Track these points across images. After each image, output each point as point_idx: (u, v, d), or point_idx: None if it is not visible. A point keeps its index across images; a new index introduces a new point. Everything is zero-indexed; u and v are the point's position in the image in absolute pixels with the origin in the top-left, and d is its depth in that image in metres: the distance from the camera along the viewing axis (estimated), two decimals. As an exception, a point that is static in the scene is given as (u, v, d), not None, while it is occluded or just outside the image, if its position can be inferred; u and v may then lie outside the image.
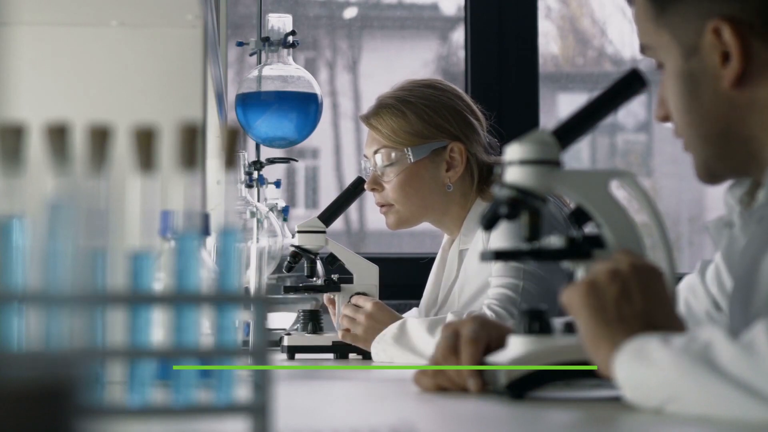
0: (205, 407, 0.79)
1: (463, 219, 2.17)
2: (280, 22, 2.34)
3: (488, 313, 1.94)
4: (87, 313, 0.70)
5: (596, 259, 1.15)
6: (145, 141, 0.80)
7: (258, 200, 2.57)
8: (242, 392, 0.82)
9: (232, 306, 0.82)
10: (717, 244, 1.37)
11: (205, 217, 1.09)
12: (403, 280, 2.69)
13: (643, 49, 1.27)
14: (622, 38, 3.93)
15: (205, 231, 1.08)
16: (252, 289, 1.19)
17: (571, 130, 1.21)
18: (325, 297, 2.23)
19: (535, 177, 1.17)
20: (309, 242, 2.25)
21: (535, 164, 1.17)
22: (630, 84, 1.24)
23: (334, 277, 2.21)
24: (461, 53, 3.35)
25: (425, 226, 2.26)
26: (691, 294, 1.43)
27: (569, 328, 1.17)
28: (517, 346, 1.18)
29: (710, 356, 0.95)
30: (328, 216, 2.27)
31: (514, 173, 1.17)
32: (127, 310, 0.81)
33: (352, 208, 3.18)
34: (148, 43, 1.55)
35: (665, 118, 1.27)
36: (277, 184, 2.62)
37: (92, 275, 0.76)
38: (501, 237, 1.98)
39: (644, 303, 1.06)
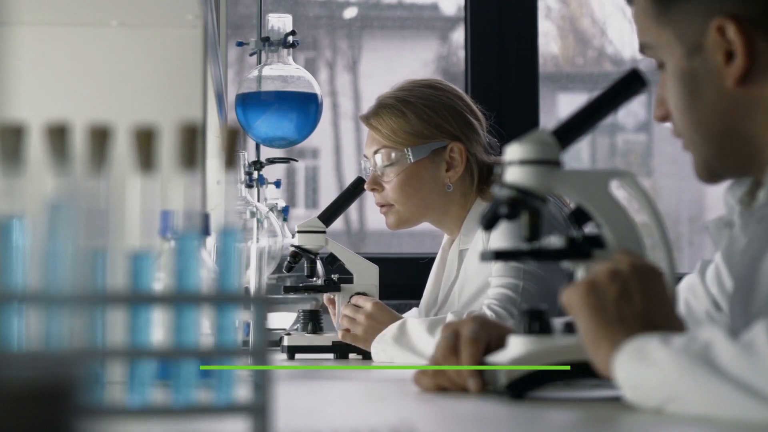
0: (205, 407, 0.79)
1: (463, 219, 2.17)
2: (280, 22, 2.34)
3: (488, 313, 1.94)
4: (87, 313, 0.70)
5: (596, 259, 1.15)
6: (145, 141, 0.80)
7: (258, 200, 2.57)
8: (242, 392, 0.82)
9: (232, 306, 0.82)
10: (717, 244, 1.37)
11: (205, 217, 1.09)
12: (403, 280, 2.69)
13: (643, 48, 1.27)
14: (622, 38, 3.93)
15: (205, 231, 1.08)
16: (252, 289, 1.19)
17: (571, 130, 1.21)
18: (325, 297, 2.23)
19: (535, 177, 1.17)
20: (309, 242, 2.25)
21: (535, 164, 1.17)
22: (630, 84, 1.24)
23: (334, 277, 2.21)
24: (461, 53, 3.35)
25: (425, 226, 2.26)
26: (691, 294, 1.43)
27: (569, 328, 1.17)
28: (517, 346, 1.18)
29: (710, 356, 0.95)
30: (328, 216, 2.27)
31: (514, 173, 1.17)
32: (127, 310, 0.81)
33: (352, 208, 3.18)
34: (148, 43, 1.55)
35: (664, 118, 1.27)
36: (277, 184, 2.62)
37: (92, 275, 0.76)
38: (501, 237, 1.98)
39: (644, 303, 1.06)
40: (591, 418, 1.03)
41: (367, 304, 2.09)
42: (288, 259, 2.28)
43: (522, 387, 1.15)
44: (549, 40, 3.84)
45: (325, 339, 2.17)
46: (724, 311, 1.39)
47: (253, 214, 2.31)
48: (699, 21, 1.19)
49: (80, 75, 1.55)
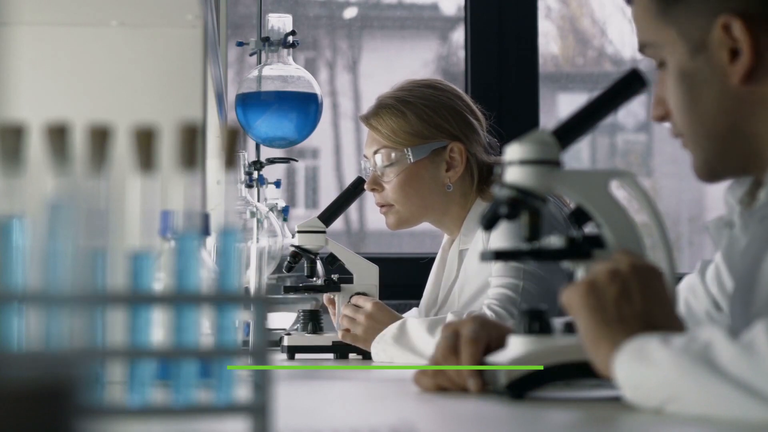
0: (205, 407, 0.79)
1: (463, 219, 2.17)
2: (280, 22, 2.34)
3: (488, 313, 1.94)
4: (87, 313, 0.70)
5: (596, 259, 1.15)
6: (145, 141, 0.80)
7: (258, 200, 2.57)
8: (242, 392, 0.82)
9: (232, 306, 0.82)
10: (717, 244, 1.36)
11: (205, 217, 1.09)
12: (403, 280, 2.69)
13: (643, 47, 1.27)
14: (622, 38, 3.93)
15: (205, 231, 1.08)
16: (252, 289, 1.19)
17: (571, 130, 1.21)
18: (325, 297, 2.23)
19: (535, 177, 1.17)
20: (309, 242, 2.25)
21: (535, 164, 1.17)
22: (630, 84, 1.24)
23: (334, 277, 2.21)
24: (461, 53, 3.35)
25: (425, 226, 2.26)
26: (691, 294, 1.43)
27: (569, 328, 1.17)
28: (517, 346, 1.18)
29: (710, 356, 0.95)
30: (328, 216, 2.27)
31: (514, 173, 1.17)
32: (127, 310, 0.81)
33: (352, 208, 3.18)
34: (148, 43, 1.55)
35: (663, 118, 1.27)
36: (277, 184, 2.62)
37: (92, 275, 0.76)
38: (501, 237, 1.98)
39: (644, 303, 1.06)
40: (591, 418, 1.03)
41: (367, 304, 2.09)
42: (288, 259, 2.28)
43: (522, 387, 1.15)
44: (549, 40, 3.84)
45: (325, 339, 2.17)
46: (724, 311, 1.39)
47: (253, 214, 2.31)
48: (703, 18, 1.19)
49: (80, 75, 1.55)
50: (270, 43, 2.32)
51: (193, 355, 0.80)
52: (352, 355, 2.15)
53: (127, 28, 1.55)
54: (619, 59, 3.98)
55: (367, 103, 2.27)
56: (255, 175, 2.49)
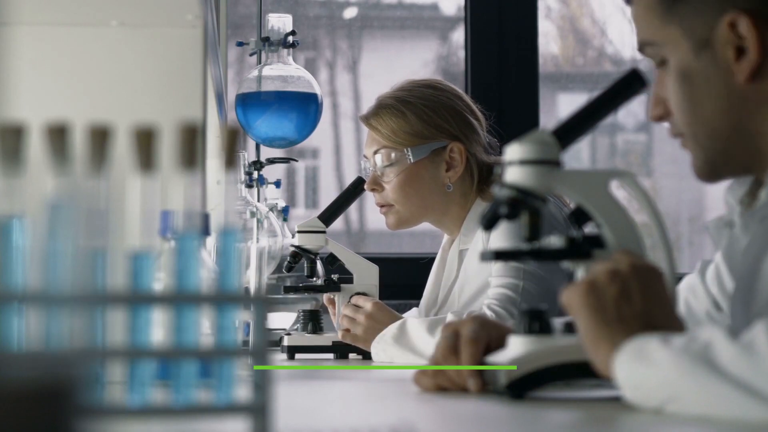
0: (205, 407, 0.79)
1: (463, 219, 2.17)
2: (280, 22, 2.34)
3: (488, 313, 1.94)
4: (87, 313, 0.70)
5: (596, 259, 1.15)
6: (145, 141, 0.80)
7: (258, 200, 2.57)
8: (242, 392, 0.82)
9: (232, 306, 0.82)
10: (717, 243, 1.36)
11: (205, 217, 1.09)
12: (403, 280, 2.69)
13: (644, 46, 1.26)
14: (622, 38, 3.93)
15: (205, 231, 1.08)
16: (252, 289, 1.19)
17: (571, 130, 1.21)
18: (325, 297, 2.23)
19: (535, 177, 1.17)
20: (309, 242, 2.25)
21: (535, 164, 1.17)
22: (630, 84, 1.24)
23: (334, 277, 2.21)
24: (461, 53, 3.35)
25: (425, 226, 2.26)
26: (691, 294, 1.43)
27: (569, 328, 1.17)
28: (517, 346, 1.18)
29: (710, 356, 0.95)
30: (328, 216, 2.27)
31: (514, 173, 1.17)
32: (127, 310, 0.81)
33: (352, 208, 3.18)
34: (148, 43, 1.55)
35: (661, 117, 1.26)
36: (277, 184, 2.62)
37: (92, 275, 0.76)
38: (501, 237, 1.98)
39: (644, 303, 1.06)
40: (591, 418, 1.03)
41: (367, 304, 2.09)
42: (288, 259, 2.28)
43: (522, 387, 1.15)
44: (549, 40, 3.84)
45: (325, 339, 2.17)
46: (725, 311, 1.39)
47: (253, 214, 2.31)
48: (709, 16, 1.19)
49: (80, 75, 1.55)
50: (270, 43, 2.32)
51: (193, 355, 0.80)
52: (352, 355, 2.15)
53: (127, 28, 1.55)
54: (619, 59, 3.98)
55: (367, 103, 2.27)
56: (255, 175, 2.49)
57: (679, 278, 1.27)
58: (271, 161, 2.53)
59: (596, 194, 1.18)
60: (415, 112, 2.15)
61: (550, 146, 1.18)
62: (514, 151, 1.18)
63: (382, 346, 1.98)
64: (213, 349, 0.81)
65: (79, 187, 0.72)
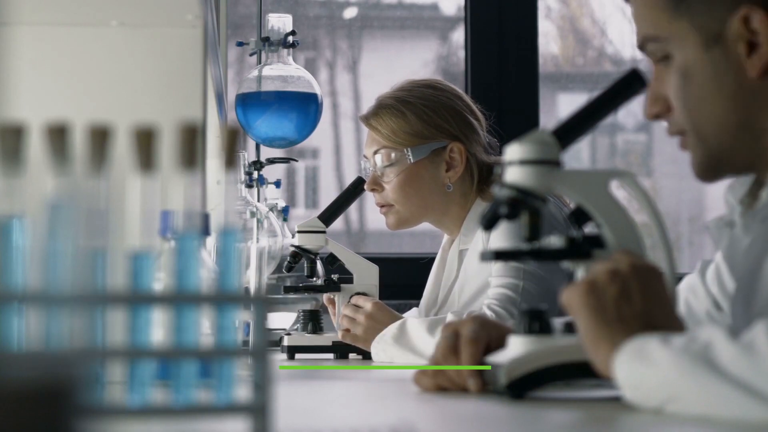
0: (205, 407, 0.79)
1: (463, 219, 2.17)
2: (280, 22, 2.34)
3: (488, 313, 1.94)
4: (87, 313, 0.70)
5: (596, 259, 1.15)
6: (145, 141, 0.80)
7: (258, 200, 2.57)
8: (242, 392, 0.82)
9: (232, 306, 0.82)
10: (717, 243, 1.36)
11: (205, 217, 1.09)
12: (403, 280, 2.69)
13: (646, 42, 1.24)
14: (622, 38, 3.93)
15: (205, 231, 1.08)
16: (252, 289, 1.19)
17: (571, 130, 1.21)
18: (325, 297, 2.23)
19: (535, 177, 1.17)
20: (309, 242, 2.25)
21: (535, 164, 1.17)
22: (630, 84, 1.24)
23: (334, 277, 2.21)
24: (461, 53, 3.35)
25: (425, 226, 2.26)
26: (691, 294, 1.43)
27: (569, 328, 1.17)
28: (517, 346, 1.18)
29: (710, 356, 0.95)
30: (328, 216, 2.27)
31: (514, 173, 1.17)
32: (127, 310, 0.81)
33: (352, 208, 3.18)
34: (148, 43, 1.55)
35: (658, 115, 1.25)
36: (277, 184, 2.62)
37: (92, 275, 0.76)
38: (501, 237, 1.98)
39: (644, 303, 1.06)
40: (591, 418, 1.03)
41: (367, 304, 2.09)
42: (288, 259, 2.28)
43: (522, 387, 1.15)
44: (549, 40, 3.84)
45: (325, 339, 2.17)
46: (725, 311, 1.38)
47: (253, 214, 2.31)
48: (722, 10, 1.18)
49: (80, 75, 1.55)
50: (270, 43, 2.32)
51: (193, 355, 0.80)
52: (352, 355, 2.15)
53: (127, 28, 1.55)
54: (619, 59, 3.97)
55: (367, 103, 2.27)
56: (255, 175, 2.49)
57: (679, 278, 1.27)
58: (271, 161, 2.53)
59: (596, 194, 1.18)
60: (415, 112, 2.15)
61: (550, 146, 1.18)
62: (514, 151, 1.18)
63: (382, 346, 1.98)
64: (213, 349, 0.81)
65: (79, 187, 0.72)
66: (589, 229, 1.19)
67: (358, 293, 2.17)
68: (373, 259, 2.24)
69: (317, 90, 2.34)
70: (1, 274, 0.74)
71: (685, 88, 1.21)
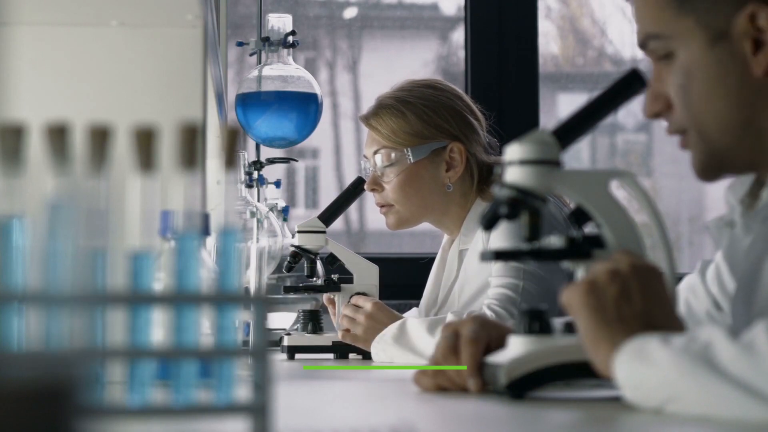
0: (205, 407, 0.79)
1: (463, 219, 2.17)
2: (280, 22, 2.34)
3: (488, 313, 1.94)
4: (87, 313, 0.70)
5: (596, 259, 1.15)
6: (145, 141, 0.80)
7: (258, 200, 2.57)
8: (242, 392, 0.82)
9: (232, 306, 0.82)
10: (718, 243, 1.36)
11: (205, 217, 1.09)
12: (403, 280, 2.69)
13: (648, 40, 1.23)
14: (622, 38, 3.93)
15: (205, 231, 1.08)
16: (252, 289, 1.19)
17: (571, 130, 1.21)
18: (325, 297, 2.23)
19: (535, 177, 1.17)
20: (309, 242, 2.25)
21: (535, 164, 1.17)
22: (630, 84, 1.23)
23: (334, 277, 2.21)
24: (461, 53, 3.35)
25: (425, 226, 2.27)
26: (691, 294, 1.43)
27: (569, 328, 1.17)
28: (517, 346, 1.18)
29: (710, 356, 0.95)
30: (328, 216, 2.28)
31: (514, 173, 1.17)
32: (127, 310, 0.81)
33: (352, 208, 3.18)
34: (148, 43, 1.55)
35: (658, 114, 1.25)
36: (277, 184, 2.62)
37: (92, 275, 0.76)
38: (501, 237, 1.98)
39: (644, 303, 1.06)
40: (591, 418, 1.03)
41: (367, 304, 2.09)
42: (288, 259, 2.28)
43: (522, 387, 1.15)
44: (549, 40, 3.84)
45: (325, 339, 2.18)
46: (725, 311, 1.38)
47: (253, 214, 2.31)
48: (728, 7, 1.17)
49: (80, 75, 1.55)
50: (270, 43, 2.32)
51: (193, 355, 0.80)
52: (352, 355, 2.15)
53: (127, 28, 1.55)
54: (619, 59, 3.97)
55: (367, 103, 2.27)
56: (255, 175, 2.49)
57: (679, 278, 1.27)
58: (271, 161, 2.53)
59: (596, 194, 1.18)
60: (415, 112, 2.15)
61: (550, 146, 1.18)
62: (514, 151, 1.18)
63: (382, 346, 1.98)
64: (213, 349, 0.81)
65: (79, 187, 0.72)
66: (589, 229, 1.19)
67: (358, 293, 2.17)
68: (373, 259, 2.24)
69: (317, 90, 2.34)
70: (1, 274, 0.74)
71: (688, 86, 1.20)
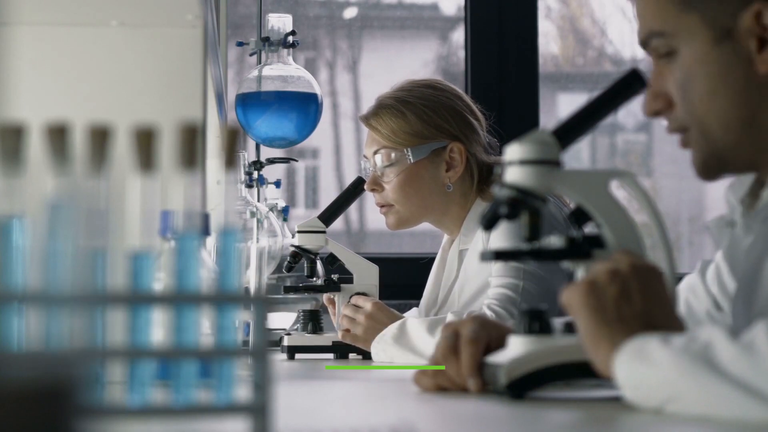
0: (205, 407, 0.79)
1: (463, 219, 2.17)
2: (280, 22, 2.34)
3: (488, 313, 1.94)
4: (87, 313, 0.70)
5: (596, 259, 1.15)
6: (145, 141, 0.80)
7: (258, 200, 2.57)
8: (242, 392, 0.82)
9: (232, 306, 0.82)
10: (718, 243, 1.36)
11: (205, 217, 1.09)
12: (403, 280, 2.69)
13: (650, 37, 1.22)
14: (622, 38, 3.93)
15: (205, 231, 1.08)
16: (252, 289, 1.19)
17: (571, 130, 1.21)
18: (325, 297, 2.23)
19: (535, 177, 1.17)
20: (309, 242, 2.25)
21: (535, 164, 1.17)
22: (630, 84, 1.23)
23: (334, 277, 2.21)
24: (461, 53, 3.35)
25: (425, 226, 2.27)
26: (691, 294, 1.43)
27: (569, 328, 1.17)
28: (517, 346, 1.18)
29: (710, 356, 0.95)
30: (328, 216, 2.28)
31: (514, 173, 1.17)
32: (127, 310, 0.81)
33: (352, 208, 3.18)
34: (148, 43, 1.55)
35: (658, 112, 1.24)
36: (277, 184, 2.62)
37: (92, 275, 0.76)
38: (501, 237, 1.98)
39: (644, 303, 1.06)
40: (591, 418, 1.03)
41: (367, 304, 2.09)
42: (288, 259, 2.28)
43: (522, 387, 1.15)
44: (549, 40, 3.84)
45: (325, 339, 2.17)
46: (725, 311, 1.38)
47: (253, 214, 2.31)
48: (734, 5, 1.17)
49: (80, 75, 1.55)
50: (270, 43, 2.32)
51: (193, 355, 0.80)
52: (352, 355, 2.15)
53: (127, 28, 1.55)
54: (619, 59, 3.97)
55: (367, 103, 2.27)
56: (255, 175, 2.49)
57: (679, 278, 1.27)
58: (271, 161, 2.53)
59: (596, 194, 1.18)
60: (415, 112, 2.15)
61: (550, 146, 1.18)
62: (514, 151, 1.18)
63: (382, 346, 1.98)
64: (213, 349, 0.81)
65: (79, 187, 0.72)
66: (589, 229, 1.19)
67: (358, 293, 2.17)
68: (373, 259, 2.24)
69: (317, 90, 2.34)
70: (1, 274, 0.74)
71: (691, 83, 1.20)
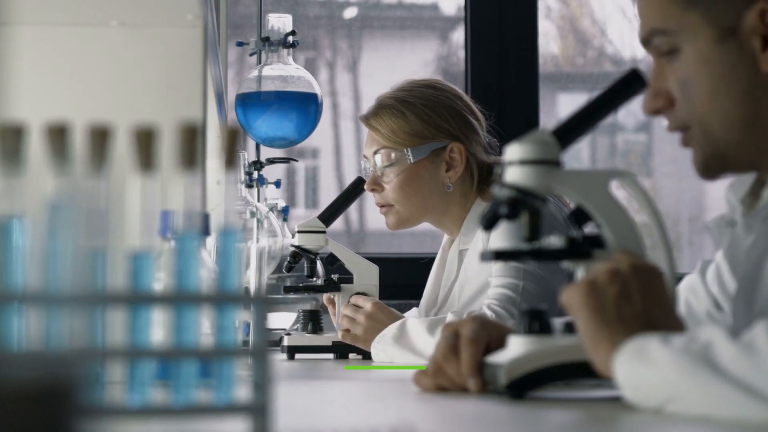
0: (205, 407, 0.79)
1: (463, 219, 2.17)
2: (280, 22, 2.34)
3: (488, 313, 1.94)
4: (87, 313, 0.70)
5: (596, 259, 1.15)
6: (145, 141, 0.80)
7: (258, 200, 2.57)
8: (242, 392, 0.82)
9: (232, 306, 0.82)
10: (718, 242, 1.36)
11: (205, 217, 1.09)
12: (403, 280, 2.69)
13: (652, 35, 1.22)
14: (622, 38, 3.93)
15: (205, 231, 1.08)
16: (252, 289, 1.19)
17: (571, 130, 1.21)
18: (325, 297, 2.23)
19: (535, 177, 1.17)
20: (309, 242, 2.25)
21: (535, 164, 1.17)
22: (630, 84, 1.23)
23: (334, 277, 2.21)
24: (461, 53, 3.35)
25: (425, 226, 2.27)
26: (691, 294, 1.43)
27: (569, 328, 1.17)
28: (517, 346, 1.18)
29: (710, 356, 0.95)
30: (328, 216, 2.28)
31: (514, 173, 1.17)
32: (127, 310, 0.81)
33: (352, 208, 3.18)
34: (148, 43, 1.55)
35: (659, 111, 1.24)
36: (277, 184, 2.62)
37: (92, 275, 0.76)
38: (501, 237, 1.98)
39: (644, 303, 1.06)
40: (591, 418, 1.03)
41: (367, 304, 2.09)
42: (288, 259, 2.28)
43: (522, 387, 1.15)
44: (549, 40, 3.84)
45: (325, 339, 2.17)
46: (725, 311, 1.38)
47: (253, 214, 2.31)
48: (738, 4, 1.17)
49: (80, 75, 1.55)
50: (270, 43, 2.32)
51: (193, 355, 0.80)
52: (352, 355, 2.15)
53: (127, 28, 1.55)
54: (619, 59, 3.97)
55: (367, 103, 2.27)
56: (255, 175, 2.49)
57: (679, 278, 1.27)
58: (271, 161, 2.53)
59: (596, 194, 1.18)
60: (415, 112, 2.15)
61: (550, 146, 1.18)
62: (514, 151, 1.18)
63: (382, 346, 1.98)
64: (213, 349, 0.81)
65: (79, 187, 0.72)
66: (589, 229, 1.19)
67: (358, 293, 2.17)
68: (373, 259, 2.24)
69: (317, 90, 2.34)
70: (1, 274, 0.74)
71: (694, 82, 1.19)
